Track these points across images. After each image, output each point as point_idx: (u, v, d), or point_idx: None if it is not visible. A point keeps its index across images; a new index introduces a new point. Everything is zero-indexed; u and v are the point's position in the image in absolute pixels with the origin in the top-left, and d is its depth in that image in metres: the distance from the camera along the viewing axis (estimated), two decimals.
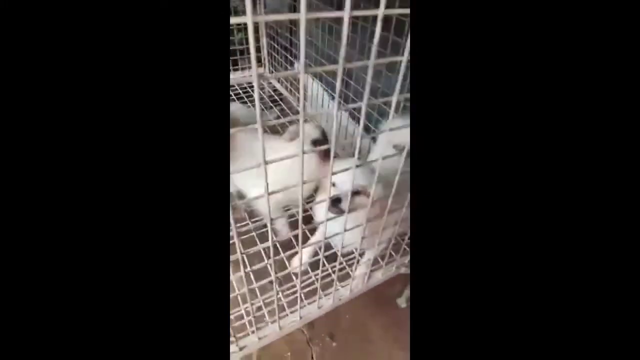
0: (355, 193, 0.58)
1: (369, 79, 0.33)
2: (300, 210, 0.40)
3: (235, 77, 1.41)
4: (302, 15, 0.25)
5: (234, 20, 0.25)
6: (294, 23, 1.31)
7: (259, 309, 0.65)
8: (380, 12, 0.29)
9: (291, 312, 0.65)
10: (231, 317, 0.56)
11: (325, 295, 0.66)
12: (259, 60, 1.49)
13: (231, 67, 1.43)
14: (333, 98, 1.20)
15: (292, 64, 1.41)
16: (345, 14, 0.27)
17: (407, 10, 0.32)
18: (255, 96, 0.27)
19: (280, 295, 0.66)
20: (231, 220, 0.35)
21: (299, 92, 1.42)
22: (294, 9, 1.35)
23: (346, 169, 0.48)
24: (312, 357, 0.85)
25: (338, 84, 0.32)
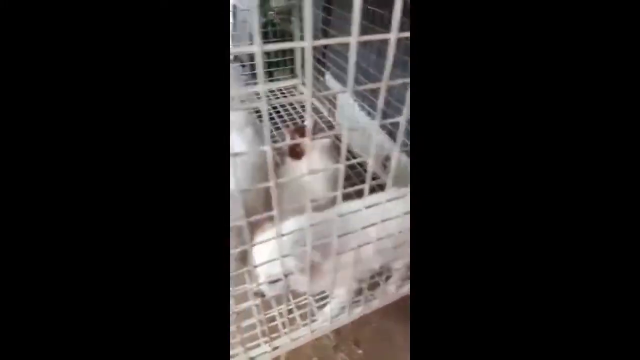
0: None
1: (409, 96, 0.35)
2: (335, 228, 0.42)
3: (270, 87, 1.47)
4: (354, 39, 0.27)
5: (291, 44, 0.27)
6: (326, 33, 1.35)
7: (290, 311, 0.67)
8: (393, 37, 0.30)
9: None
10: (263, 318, 0.58)
11: (354, 302, 0.67)
12: (292, 72, 1.54)
13: (266, 78, 1.50)
14: (362, 108, 1.22)
15: (323, 74, 1.45)
16: (393, 36, 0.29)
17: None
18: (308, 110, 0.30)
19: (311, 299, 0.68)
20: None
21: (329, 103, 1.45)
22: (327, 22, 1.40)
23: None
24: None
25: (380, 103, 0.34)
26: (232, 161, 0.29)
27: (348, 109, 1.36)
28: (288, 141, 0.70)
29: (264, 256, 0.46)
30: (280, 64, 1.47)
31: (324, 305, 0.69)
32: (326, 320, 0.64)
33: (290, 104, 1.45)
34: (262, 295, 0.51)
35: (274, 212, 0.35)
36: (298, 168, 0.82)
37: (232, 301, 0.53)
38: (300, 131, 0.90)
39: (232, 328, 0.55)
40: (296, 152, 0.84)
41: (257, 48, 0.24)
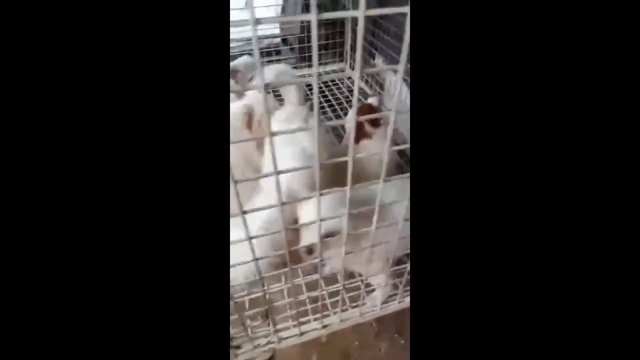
0: (329, 235, 0.51)
1: None
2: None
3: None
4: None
5: (341, 14, 0.25)
6: (377, 21, 1.29)
7: (339, 293, 0.68)
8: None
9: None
10: (319, 295, 0.59)
11: (407, 291, 0.66)
12: (340, 55, 1.51)
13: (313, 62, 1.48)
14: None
15: (374, 56, 1.40)
16: None
17: None
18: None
19: (362, 283, 0.69)
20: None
21: (378, 87, 1.41)
22: (380, 1, 1.34)
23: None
24: (380, 350, 0.86)
25: None
26: (315, 134, 0.29)
27: (395, 88, 1.31)
28: (364, 117, 0.65)
29: (312, 214, 0.46)
30: (329, 47, 1.45)
31: (373, 290, 0.69)
32: (375, 305, 0.64)
33: (334, 83, 1.43)
34: (311, 251, 0.52)
35: (347, 187, 0.35)
36: (360, 150, 0.78)
37: (283, 276, 0.54)
38: (371, 110, 0.82)
39: (285, 301, 0.57)
40: (362, 134, 0.76)
41: (361, 13, 0.23)
